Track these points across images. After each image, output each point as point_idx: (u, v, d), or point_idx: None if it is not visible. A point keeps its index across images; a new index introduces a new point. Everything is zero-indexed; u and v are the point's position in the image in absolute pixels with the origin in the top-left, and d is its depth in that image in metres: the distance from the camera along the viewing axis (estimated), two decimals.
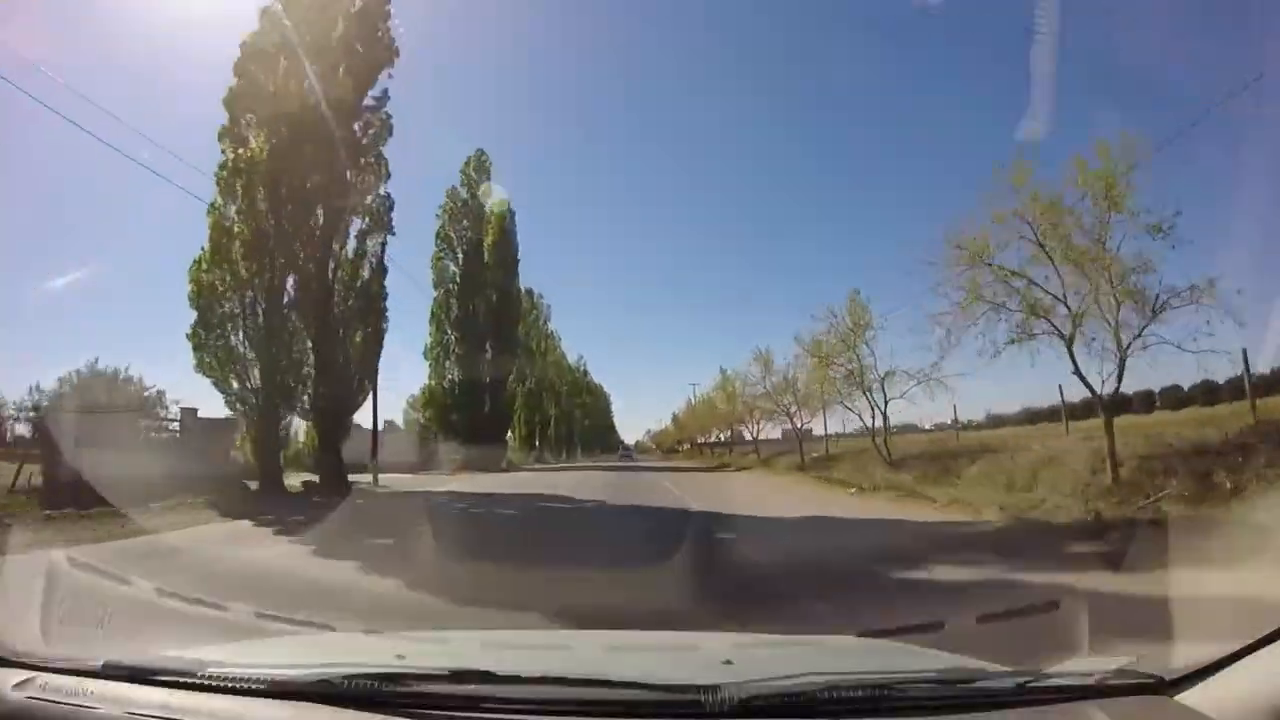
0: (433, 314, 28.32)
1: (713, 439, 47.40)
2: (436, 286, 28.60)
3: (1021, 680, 1.22)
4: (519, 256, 31.87)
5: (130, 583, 1.83)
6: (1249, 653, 1.18)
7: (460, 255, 28.92)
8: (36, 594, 1.51)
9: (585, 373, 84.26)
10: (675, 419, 56.71)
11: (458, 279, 28.59)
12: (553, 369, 57.33)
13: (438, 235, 28.37)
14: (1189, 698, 1.18)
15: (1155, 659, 1.13)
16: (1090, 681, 1.22)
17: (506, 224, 30.97)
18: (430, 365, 28.37)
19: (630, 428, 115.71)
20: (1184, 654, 1.13)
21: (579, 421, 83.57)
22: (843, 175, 60.28)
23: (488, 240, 29.46)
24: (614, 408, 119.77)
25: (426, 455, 28.12)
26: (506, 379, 30.16)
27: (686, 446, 62.98)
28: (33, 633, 1.36)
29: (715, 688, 1.13)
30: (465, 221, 29.14)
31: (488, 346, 28.60)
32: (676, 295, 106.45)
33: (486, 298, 28.79)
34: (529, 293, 47.10)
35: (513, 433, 42.78)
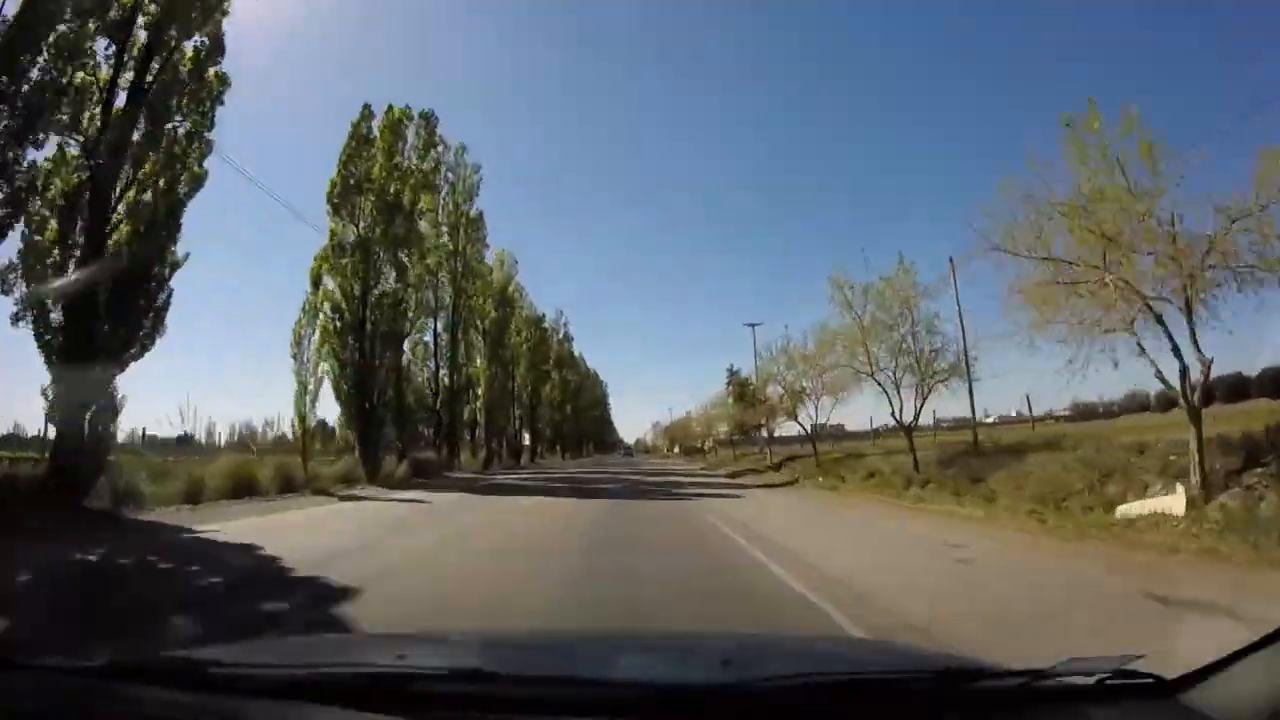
0: None
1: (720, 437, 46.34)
2: None
3: (1021, 680, 1.46)
4: None
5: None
6: (1249, 653, 1.38)
7: None
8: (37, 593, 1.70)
9: (566, 337, 75.80)
10: (736, 383, 42.34)
11: None
12: (493, 301, 45.34)
13: None
14: (1189, 698, 1.38)
15: (1155, 659, 1.40)
16: (1090, 681, 1.43)
17: None
18: None
19: (624, 428, 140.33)
20: (1184, 654, 1.37)
21: (553, 405, 71.98)
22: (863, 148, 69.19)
23: None
24: (613, 413, 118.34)
25: None
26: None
27: (709, 444, 57.49)
28: (32, 633, 1.57)
29: (715, 688, 1.37)
30: None
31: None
32: (676, 299, 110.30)
33: None
34: (428, 120, 33.93)
35: (339, 405, 28.22)
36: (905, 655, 1.97)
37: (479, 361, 43.71)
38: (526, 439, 60.95)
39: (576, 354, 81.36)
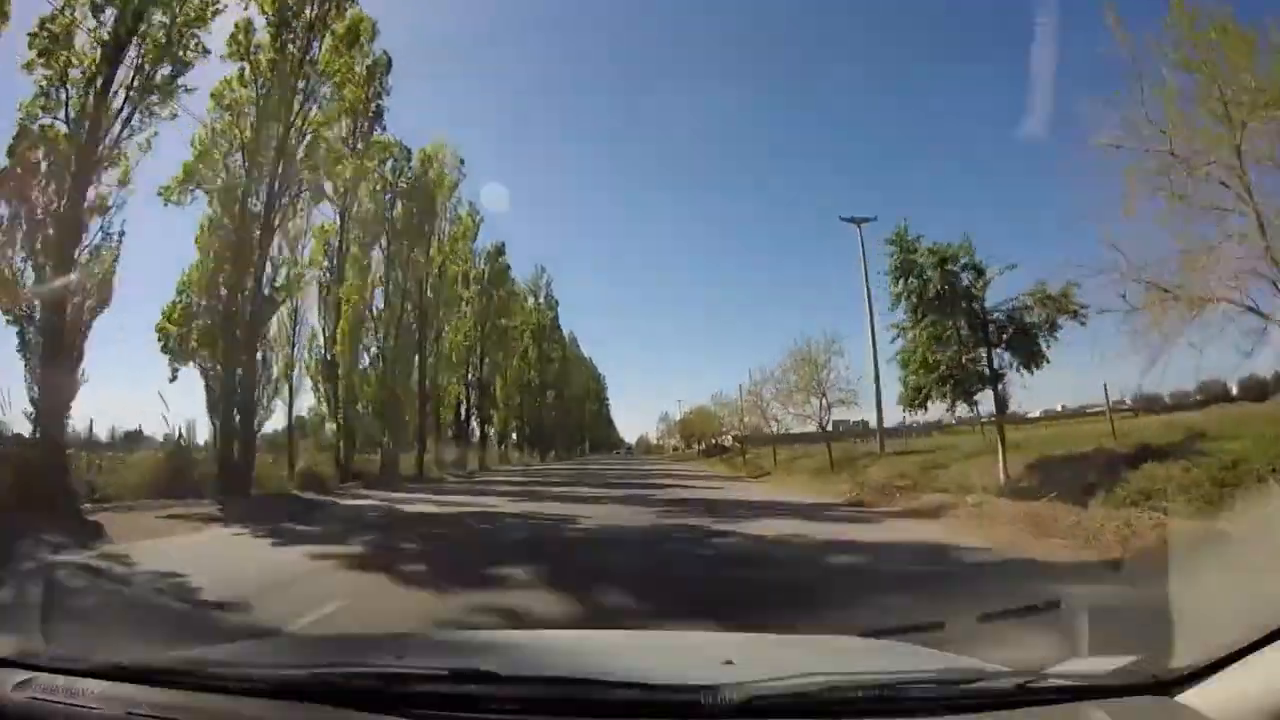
0: None
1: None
2: None
3: (1021, 680, 1.70)
4: None
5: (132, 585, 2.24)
6: (1249, 653, 1.56)
7: None
8: (37, 594, 1.92)
9: (549, 302, 71.08)
10: (938, 256, 16.37)
11: None
12: (404, 187, 34.52)
13: None
14: (1189, 698, 1.58)
15: (1155, 659, 1.58)
16: (1090, 682, 1.68)
17: None
18: None
19: (626, 429, 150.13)
20: (1184, 654, 1.60)
21: (526, 389, 63.66)
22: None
23: None
24: (613, 412, 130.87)
25: None
26: None
27: (729, 440, 54.70)
28: (33, 633, 1.76)
29: (715, 688, 1.57)
30: None
31: None
32: (676, 304, 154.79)
33: None
34: None
35: None
36: (905, 655, 2.18)
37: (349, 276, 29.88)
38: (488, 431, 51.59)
39: (567, 334, 77.65)
